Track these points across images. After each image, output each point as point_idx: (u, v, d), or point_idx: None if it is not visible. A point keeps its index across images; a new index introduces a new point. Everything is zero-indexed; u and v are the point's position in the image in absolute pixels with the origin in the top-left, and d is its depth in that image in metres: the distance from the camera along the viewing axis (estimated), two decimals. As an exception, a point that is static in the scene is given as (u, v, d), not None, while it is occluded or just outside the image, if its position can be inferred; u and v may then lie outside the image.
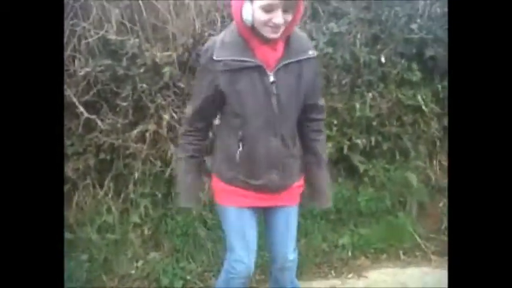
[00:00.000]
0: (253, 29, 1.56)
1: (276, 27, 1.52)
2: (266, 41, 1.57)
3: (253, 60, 1.58)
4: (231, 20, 2.83)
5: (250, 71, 1.59)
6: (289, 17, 1.53)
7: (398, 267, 2.77)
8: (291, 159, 1.75)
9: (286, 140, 1.70)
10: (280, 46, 1.62)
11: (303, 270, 2.55)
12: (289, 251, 1.89)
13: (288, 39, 1.63)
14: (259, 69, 1.60)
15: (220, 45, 1.61)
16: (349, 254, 2.85)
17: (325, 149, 1.91)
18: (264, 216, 1.91)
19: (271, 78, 1.61)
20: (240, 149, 1.69)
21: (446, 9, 3.16)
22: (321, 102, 1.82)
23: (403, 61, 3.17)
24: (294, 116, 1.71)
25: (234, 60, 1.58)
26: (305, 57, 1.65)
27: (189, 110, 1.80)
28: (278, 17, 1.50)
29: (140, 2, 2.75)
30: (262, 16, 1.50)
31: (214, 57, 1.59)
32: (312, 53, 1.67)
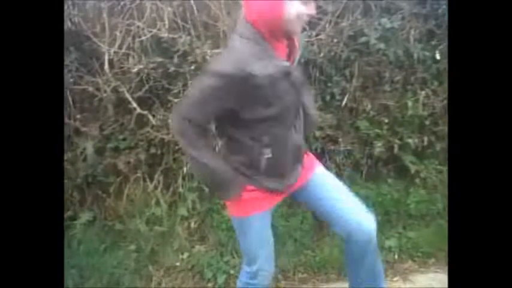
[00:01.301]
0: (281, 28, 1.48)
1: (305, 20, 1.47)
2: (284, 38, 1.53)
3: (283, 63, 1.53)
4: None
5: (281, 73, 1.51)
6: None
7: (446, 273, 2.67)
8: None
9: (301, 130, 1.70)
10: (293, 42, 1.59)
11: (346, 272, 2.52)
12: (360, 212, 1.71)
13: None
14: (288, 69, 1.54)
15: (250, 55, 1.47)
16: (396, 257, 2.77)
17: None
18: (305, 199, 1.81)
19: (295, 74, 1.57)
20: (268, 155, 1.59)
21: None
22: None
23: (460, 58, 3.03)
24: None
25: (270, 69, 1.47)
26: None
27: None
28: (313, 8, 1.45)
29: (192, 0, 2.80)
30: (300, 9, 1.44)
31: (249, 71, 1.44)
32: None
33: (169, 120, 1.53)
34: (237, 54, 1.48)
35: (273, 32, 1.49)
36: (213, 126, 1.71)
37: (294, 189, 1.75)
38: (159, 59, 2.75)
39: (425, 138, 3.09)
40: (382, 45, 2.93)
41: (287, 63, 1.54)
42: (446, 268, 2.71)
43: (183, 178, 2.81)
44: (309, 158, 1.80)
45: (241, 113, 1.53)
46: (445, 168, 3.13)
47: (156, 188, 2.81)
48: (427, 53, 3.01)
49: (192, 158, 1.60)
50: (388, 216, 2.97)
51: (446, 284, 2.52)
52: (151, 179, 2.84)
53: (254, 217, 1.69)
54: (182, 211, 2.76)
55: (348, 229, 1.71)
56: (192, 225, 2.77)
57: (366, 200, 2.94)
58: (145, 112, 2.78)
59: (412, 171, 3.07)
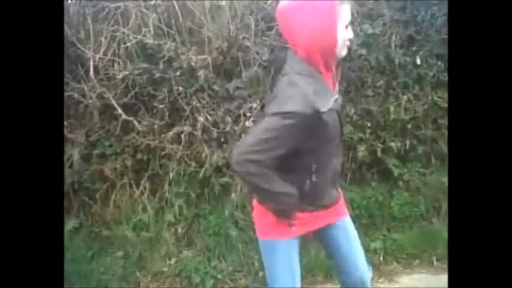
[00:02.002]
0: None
1: (348, 45, 1.50)
2: (333, 66, 1.55)
3: (335, 95, 1.53)
4: (265, 23, 2.92)
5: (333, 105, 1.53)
6: None
7: (431, 274, 2.72)
8: None
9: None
10: (338, 69, 1.61)
11: (332, 274, 2.55)
12: (363, 270, 1.76)
13: None
14: (336, 99, 1.55)
15: (313, 92, 1.45)
16: (381, 258, 2.81)
17: None
18: (323, 241, 1.82)
19: (338, 101, 1.58)
20: (313, 179, 1.59)
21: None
22: None
23: (439, 63, 3.11)
24: None
25: (330, 103, 1.47)
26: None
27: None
28: (351, 31, 1.49)
29: (177, 6, 2.82)
30: (345, 34, 1.47)
31: (316, 107, 1.42)
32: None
33: (230, 161, 1.44)
34: (303, 93, 1.45)
35: (326, 60, 1.49)
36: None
37: (320, 227, 1.72)
38: (145, 65, 2.77)
39: (408, 142, 3.15)
40: (364, 51, 2.99)
41: (336, 95, 1.55)
42: (430, 269, 2.78)
43: (170, 184, 2.81)
44: (342, 202, 1.78)
45: (300, 148, 1.52)
46: (427, 171, 3.20)
47: (142, 194, 2.81)
48: (408, 59, 3.09)
49: (264, 191, 1.55)
50: (372, 219, 3.02)
51: (430, 285, 2.60)
52: (138, 185, 2.84)
53: (280, 242, 1.67)
54: (169, 217, 2.77)
55: (347, 280, 1.79)
56: (179, 230, 2.77)
57: (350, 203, 3.03)
58: (131, 118, 2.78)
59: (395, 174, 3.13)
